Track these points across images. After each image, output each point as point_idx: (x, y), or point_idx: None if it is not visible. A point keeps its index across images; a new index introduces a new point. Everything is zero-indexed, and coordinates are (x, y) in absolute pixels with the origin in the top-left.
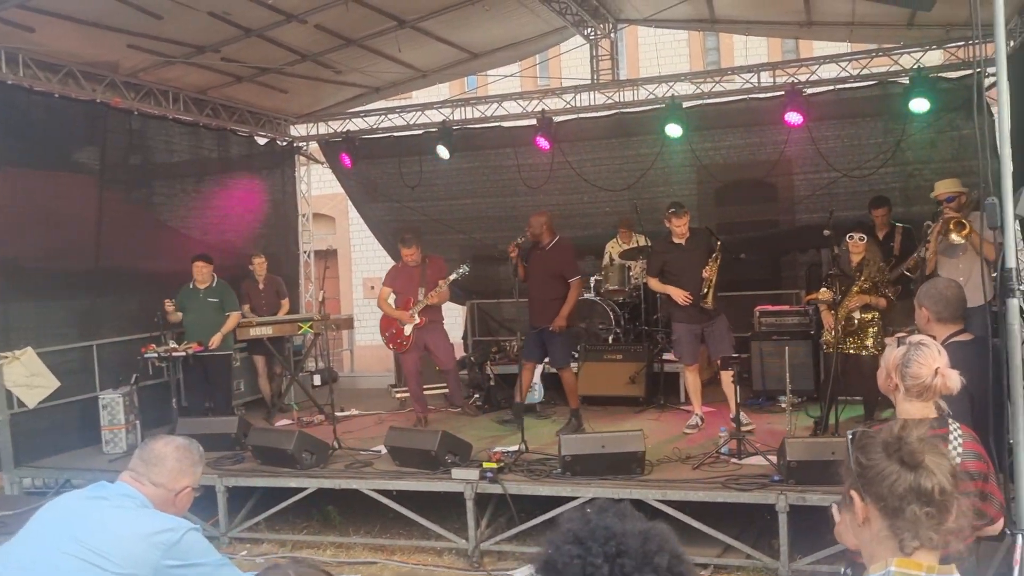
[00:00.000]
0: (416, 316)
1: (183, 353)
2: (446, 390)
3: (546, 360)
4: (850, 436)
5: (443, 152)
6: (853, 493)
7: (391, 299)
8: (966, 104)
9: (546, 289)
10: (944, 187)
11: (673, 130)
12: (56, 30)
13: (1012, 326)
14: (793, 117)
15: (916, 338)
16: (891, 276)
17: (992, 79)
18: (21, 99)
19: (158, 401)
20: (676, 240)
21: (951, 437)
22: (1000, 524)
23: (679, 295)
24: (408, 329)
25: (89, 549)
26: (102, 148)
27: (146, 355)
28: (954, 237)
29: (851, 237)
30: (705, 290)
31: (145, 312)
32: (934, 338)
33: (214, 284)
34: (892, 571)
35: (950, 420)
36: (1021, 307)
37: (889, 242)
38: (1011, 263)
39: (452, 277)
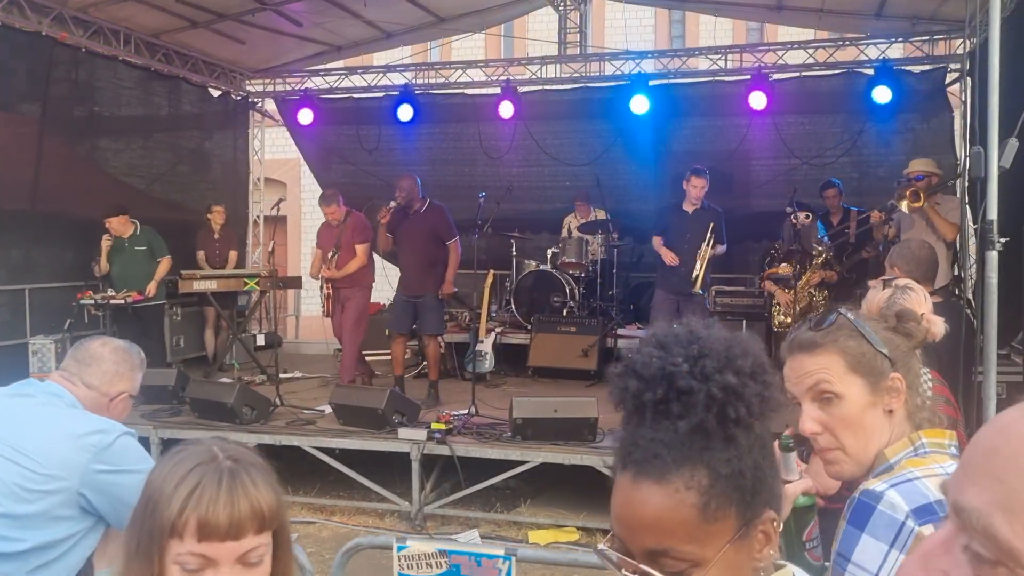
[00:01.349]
0: (322, 282)
1: (121, 301)
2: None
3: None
4: (842, 313)
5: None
6: (895, 375)
7: (319, 255)
8: (924, 103)
9: (423, 255)
10: (918, 165)
11: (639, 104)
12: None
13: (989, 279)
14: (757, 101)
15: (903, 281)
16: (850, 261)
17: (954, 75)
18: None
19: None
20: (686, 207)
21: (921, 380)
22: None
23: (668, 256)
24: (323, 297)
25: (13, 448)
26: (45, 85)
27: (82, 302)
28: (904, 205)
29: (790, 213)
30: (696, 274)
31: (82, 260)
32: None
33: (137, 231)
34: (925, 441)
35: (922, 367)
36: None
37: (844, 228)
38: (992, 215)
39: (330, 255)
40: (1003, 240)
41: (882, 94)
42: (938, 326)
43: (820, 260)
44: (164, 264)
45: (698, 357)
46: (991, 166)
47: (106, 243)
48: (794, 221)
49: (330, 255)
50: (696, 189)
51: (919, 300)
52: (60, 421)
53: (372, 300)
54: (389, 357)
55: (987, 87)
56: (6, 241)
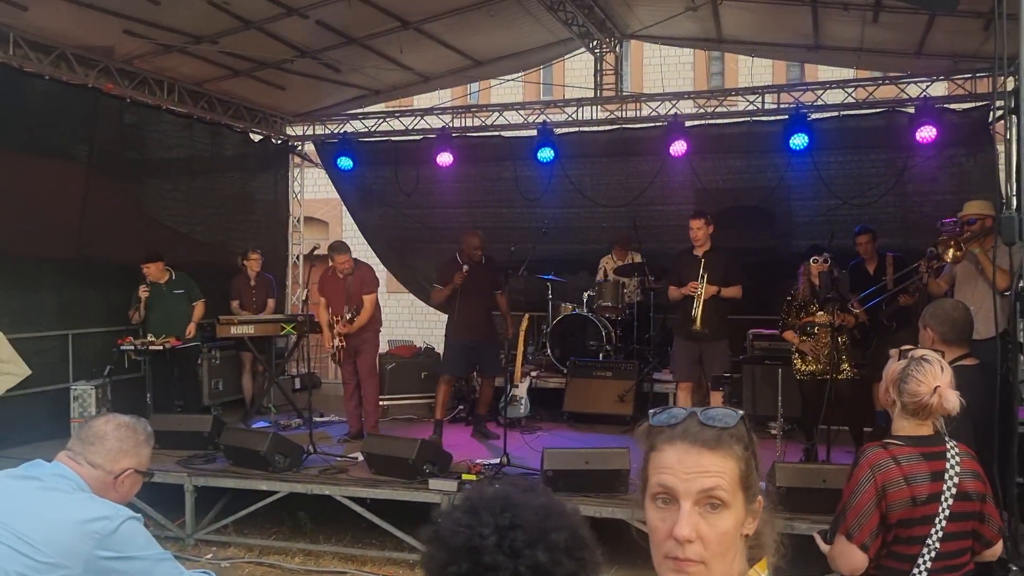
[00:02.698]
0: (337, 339)
1: (160, 347)
2: (429, 399)
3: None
4: (743, 419)
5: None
6: (760, 498)
7: (325, 308)
8: (969, 138)
9: (486, 303)
10: (972, 207)
11: (677, 145)
12: (50, 10)
13: None
14: (796, 142)
15: (919, 352)
16: (888, 309)
17: (1000, 111)
18: (10, 79)
19: (132, 395)
20: (695, 251)
21: (948, 455)
22: (999, 547)
23: (687, 288)
24: (333, 347)
25: (14, 534)
26: (91, 135)
27: (122, 347)
28: (950, 255)
29: (815, 261)
30: (693, 311)
31: (125, 305)
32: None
33: (174, 277)
34: None
35: (947, 438)
36: None
37: (881, 274)
38: None
39: (348, 316)
40: None
41: (925, 132)
42: (951, 401)
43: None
44: (200, 307)
45: (509, 528)
46: None
47: (144, 293)
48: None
49: (348, 316)
50: (694, 231)
51: (934, 372)
52: (64, 506)
53: (407, 343)
54: (404, 401)
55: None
56: (52, 286)
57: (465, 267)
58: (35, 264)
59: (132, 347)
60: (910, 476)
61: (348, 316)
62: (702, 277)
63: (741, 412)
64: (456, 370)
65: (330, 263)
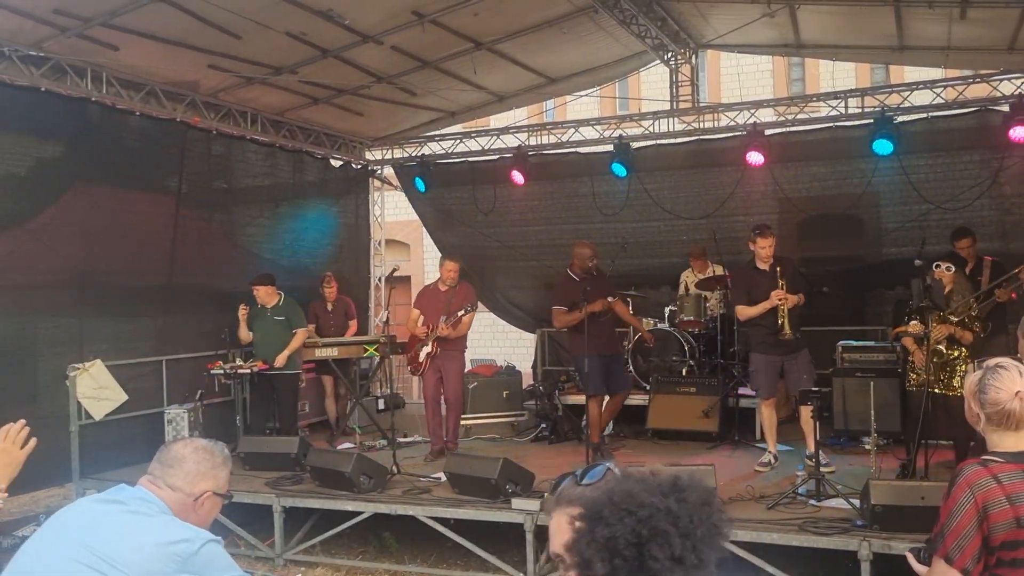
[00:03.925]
0: (430, 343)
1: (248, 371)
2: (512, 419)
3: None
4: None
5: (620, 170)
6: None
7: (420, 320)
8: None
9: (605, 316)
10: None
11: (756, 155)
12: (140, 49)
13: None
14: (881, 146)
15: (994, 361)
16: (981, 313)
17: None
18: (105, 117)
19: (223, 418)
20: (760, 265)
21: None
22: None
23: (772, 299)
24: (422, 354)
25: (100, 557)
26: (180, 167)
27: (212, 372)
28: None
29: (938, 266)
30: (780, 320)
31: (215, 330)
32: None
33: (280, 302)
34: None
35: None
36: None
37: (977, 276)
38: None
39: (460, 313)
40: None
41: (1020, 131)
42: None
43: (952, 317)
44: (299, 336)
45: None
46: None
47: (243, 312)
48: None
49: (443, 319)
50: (765, 249)
51: (1012, 378)
52: (146, 529)
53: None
54: (486, 420)
55: None
56: (148, 313)
57: (588, 288)
58: (130, 293)
59: (221, 371)
60: (1013, 496)
61: (446, 320)
62: (781, 285)
63: (608, 464)
64: (601, 388)
65: (439, 274)
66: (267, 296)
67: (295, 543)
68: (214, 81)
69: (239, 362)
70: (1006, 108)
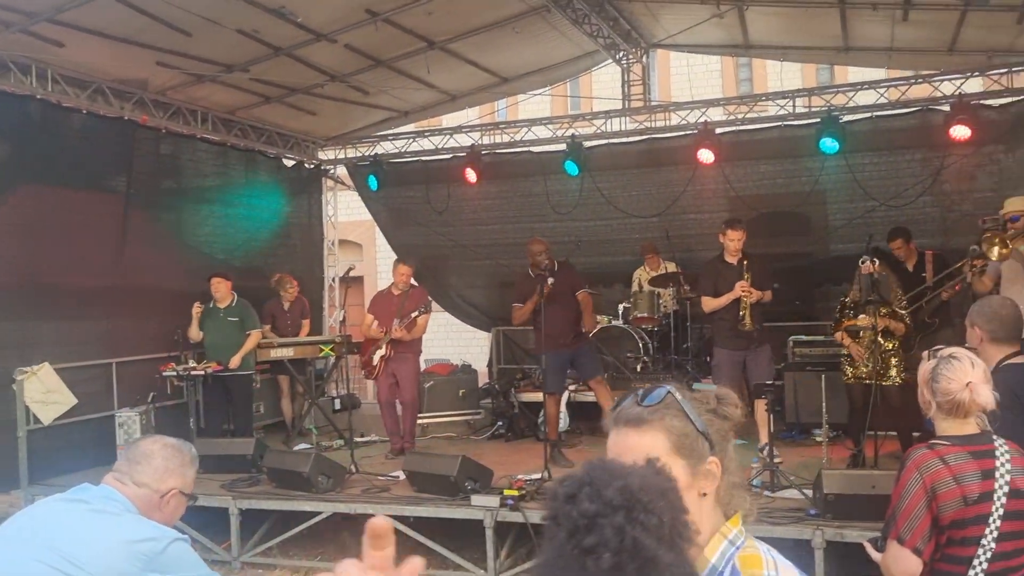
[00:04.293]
0: (383, 346)
1: (202, 372)
2: (468, 417)
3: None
4: (671, 391)
5: (572, 169)
6: (713, 459)
7: (375, 325)
8: (1007, 134)
9: (570, 309)
10: (1015, 204)
11: (706, 153)
12: (86, 46)
13: None
14: (828, 145)
15: (948, 351)
16: (930, 307)
17: None
18: (48, 115)
19: (176, 421)
20: (728, 259)
21: (997, 453)
22: None
23: (736, 291)
24: (375, 358)
25: (64, 558)
26: (129, 166)
27: (165, 374)
28: (994, 253)
29: (863, 261)
30: (742, 312)
31: (166, 332)
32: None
33: (234, 303)
34: (735, 532)
35: (994, 436)
36: None
37: (920, 272)
38: None
39: (414, 315)
40: None
41: (960, 129)
42: (984, 396)
43: (883, 310)
44: (253, 338)
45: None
46: None
47: (197, 309)
48: (871, 270)
49: (397, 322)
50: (734, 242)
51: (964, 369)
52: (111, 528)
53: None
54: (442, 419)
55: None
56: (96, 315)
57: (551, 280)
58: (78, 294)
59: (174, 373)
60: (959, 475)
61: (403, 322)
62: (747, 279)
63: (670, 387)
64: (556, 386)
65: (392, 278)
66: (223, 291)
67: (252, 545)
68: (163, 79)
69: (192, 364)
70: (946, 108)
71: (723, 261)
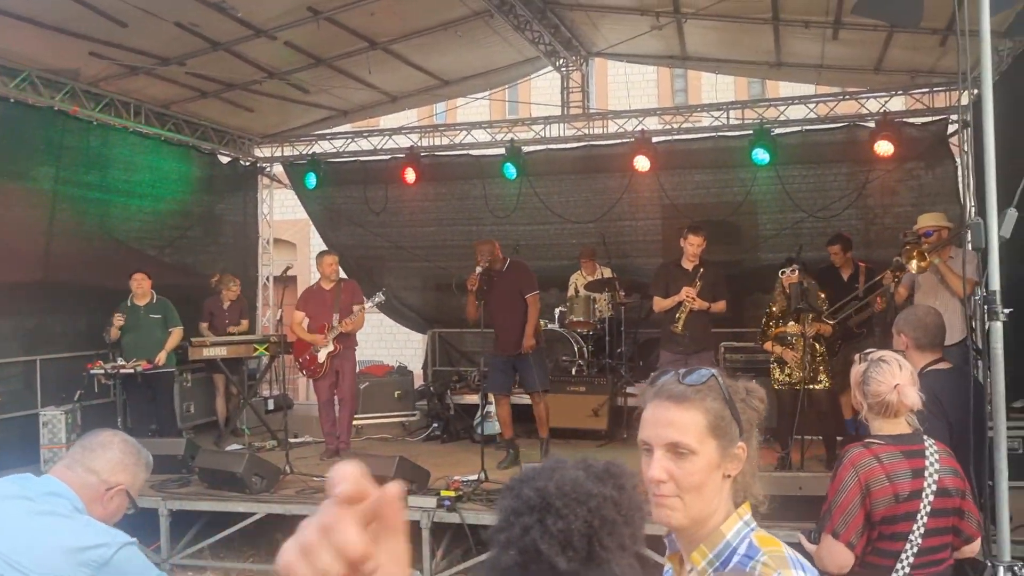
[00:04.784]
0: (331, 342)
1: (131, 370)
2: (403, 418)
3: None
4: (715, 375)
5: (511, 173)
6: (741, 444)
7: (305, 323)
8: (927, 152)
9: (517, 313)
10: (927, 220)
11: (642, 161)
12: (16, 33)
13: (996, 350)
14: (760, 157)
15: (878, 354)
16: (858, 317)
17: (955, 127)
18: None
19: (102, 421)
20: (685, 264)
21: (927, 453)
22: (978, 543)
23: (682, 294)
24: (322, 355)
25: (6, 563)
26: (57, 159)
27: (92, 372)
28: (913, 266)
29: (783, 272)
30: (679, 315)
31: (94, 329)
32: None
33: (154, 300)
34: (748, 516)
35: (924, 437)
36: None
37: (854, 283)
38: (995, 285)
39: (368, 304)
40: (1007, 311)
41: (884, 146)
42: (911, 397)
43: (811, 316)
44: (176, 334)
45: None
46: (991, 237)
47: (119, 321)
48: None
49: (336, 316)
50: (694, 247)
51: (892, 372)
52: (58, 533)
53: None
54: (377, 420)
55: (983, 154)
56: (19, 311)
57: (478, 268)
58: (1, 290)
59: (102, 371)
60: (892, 474)
61: (335, 322)
62: (695, 285)
63: (714, 371)
64: (496, 387)
65: (320, 272)
66: (144, 288)
67: (182, 547)
68: (96, 69)
69: (121, 361)
70: (872, 125)
71: (679, 265)
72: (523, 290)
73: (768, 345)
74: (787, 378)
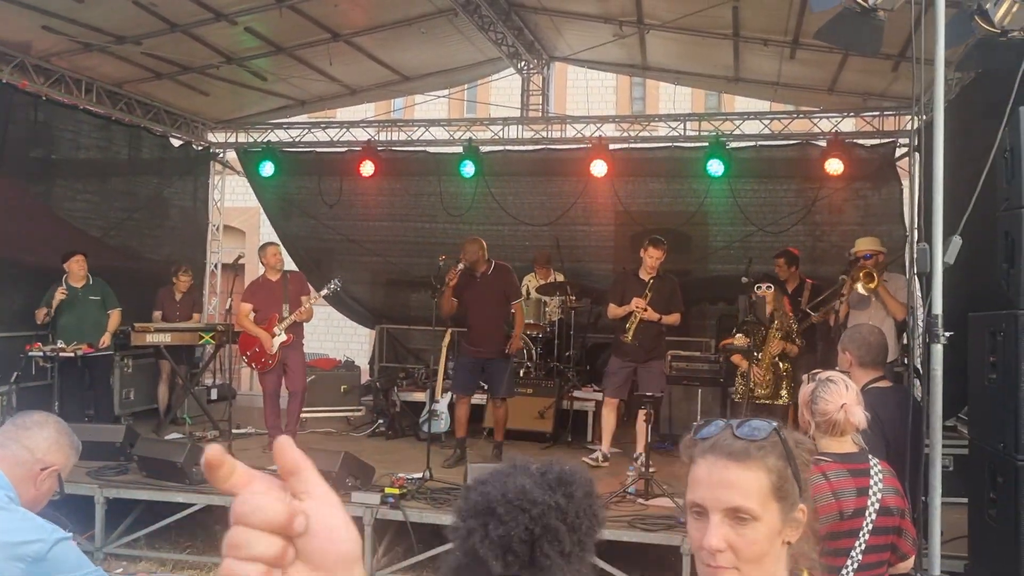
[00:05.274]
0: (283, 334)
1: (71, 354)
2: (348, 413)
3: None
4: (777, 430)
5: (467, 172)
6: (802, 507)
7: (252, 316)
8: (875, 173)
9: (494, 316)
10: (864, 244)
11: (599, 167)
12: None
13: (935, 371)
14: (714, 169)
15: (825, 374)
16: (800, 327)
17: (904, 150)
18: None
19: (38, 404)
20: (642, 275)
21: (872, 472)
22: (912, 560)
23: (632, 304)
24: (275, 347)
25: None
26: (2, 132)
27: (31, 354)
28: (860, 287)
29: (759, 287)
30: (628, 324)
31: (30, 309)
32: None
33: (91, 282)
34: None
35: (870, 456)
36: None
37: (798, 296)
38: (937, 310)
39: (323, 292)
40: (948, 334)
41: (834, 165)
42: (857, 416)
43: (777, 333)
44: (115, 316)
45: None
46: (936, 263)
47: (61, 295)
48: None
49: (285, 311)
50: (653, 259)
51: (839, 391)
52: None
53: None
54: (322, 414)
55: (931, 182)
56: None
57: (459, 266)
58: None
59: (41, 353)
60: (838, 491)
61: (286, 313)
62: (646, 296)
63: (775, 424)
64: (460, 388)
65: (265, 264)
66: (80, 272)
67: (117, 536)
68: (47, 44)
69: (61, 344)
70: (823, 144)
71: (635, 275)
72: (510, 296)
73: (735, 359)
74: (748, 391)
